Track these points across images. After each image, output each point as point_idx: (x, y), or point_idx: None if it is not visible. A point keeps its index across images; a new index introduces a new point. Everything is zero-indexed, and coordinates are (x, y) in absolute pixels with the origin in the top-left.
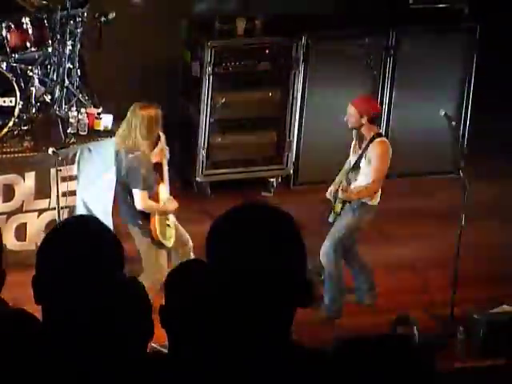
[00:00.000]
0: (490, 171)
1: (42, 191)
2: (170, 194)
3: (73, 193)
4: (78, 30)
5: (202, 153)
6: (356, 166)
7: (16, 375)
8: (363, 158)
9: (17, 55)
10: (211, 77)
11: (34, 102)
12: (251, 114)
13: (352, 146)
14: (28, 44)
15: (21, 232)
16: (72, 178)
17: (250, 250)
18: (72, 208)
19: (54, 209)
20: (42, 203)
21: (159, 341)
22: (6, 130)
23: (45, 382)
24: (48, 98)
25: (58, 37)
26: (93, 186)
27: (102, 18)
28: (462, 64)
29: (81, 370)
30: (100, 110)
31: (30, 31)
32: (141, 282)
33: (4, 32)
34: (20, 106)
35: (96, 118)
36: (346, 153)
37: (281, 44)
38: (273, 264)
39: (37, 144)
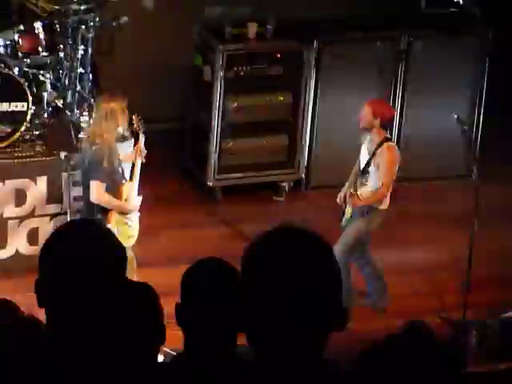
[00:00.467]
0: (503, 174)
1: (54, 196)
2: (139, 194)
3: None
4: (90, 35)
5: (214, 157)
6: (365, 171)
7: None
8: (372, 163)
9: (29, 60)
10: (223, 81)
11: (45, 106)
12: (263, 118)
13: (362, 149)
14: (40, 49)
15: (33, 236)
16: None
17: (289, 277)
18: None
19: (66, 213)
20: (54, 208)
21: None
22: (18, 134)
23: None
24: (60, 103)
25: (70, 42)
26: None
27: (114, 23)
28: (474, 68)
29: (86, 376)
30: None
31: (42, 36)
32: (152, 287)
33: (16, 37)
34: (32, 111)
35: None
36: (357, 157)
37: (292, 48)
38: (312, 291)
39: (49, 149)
